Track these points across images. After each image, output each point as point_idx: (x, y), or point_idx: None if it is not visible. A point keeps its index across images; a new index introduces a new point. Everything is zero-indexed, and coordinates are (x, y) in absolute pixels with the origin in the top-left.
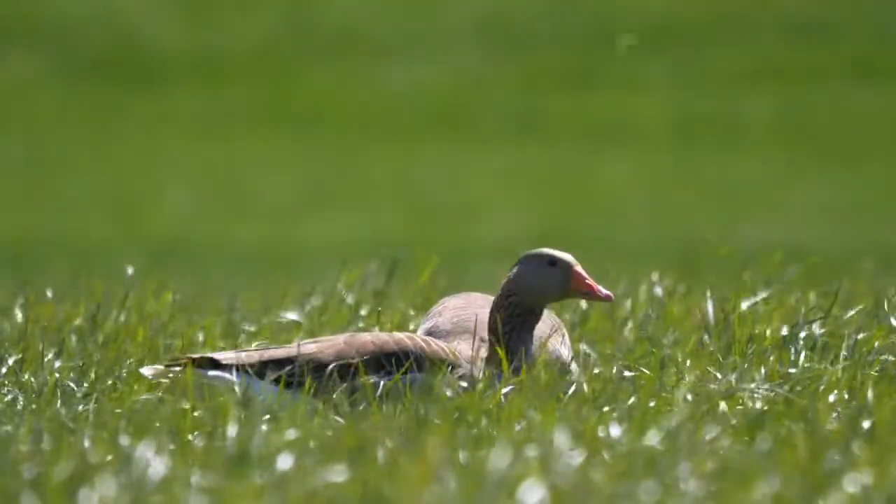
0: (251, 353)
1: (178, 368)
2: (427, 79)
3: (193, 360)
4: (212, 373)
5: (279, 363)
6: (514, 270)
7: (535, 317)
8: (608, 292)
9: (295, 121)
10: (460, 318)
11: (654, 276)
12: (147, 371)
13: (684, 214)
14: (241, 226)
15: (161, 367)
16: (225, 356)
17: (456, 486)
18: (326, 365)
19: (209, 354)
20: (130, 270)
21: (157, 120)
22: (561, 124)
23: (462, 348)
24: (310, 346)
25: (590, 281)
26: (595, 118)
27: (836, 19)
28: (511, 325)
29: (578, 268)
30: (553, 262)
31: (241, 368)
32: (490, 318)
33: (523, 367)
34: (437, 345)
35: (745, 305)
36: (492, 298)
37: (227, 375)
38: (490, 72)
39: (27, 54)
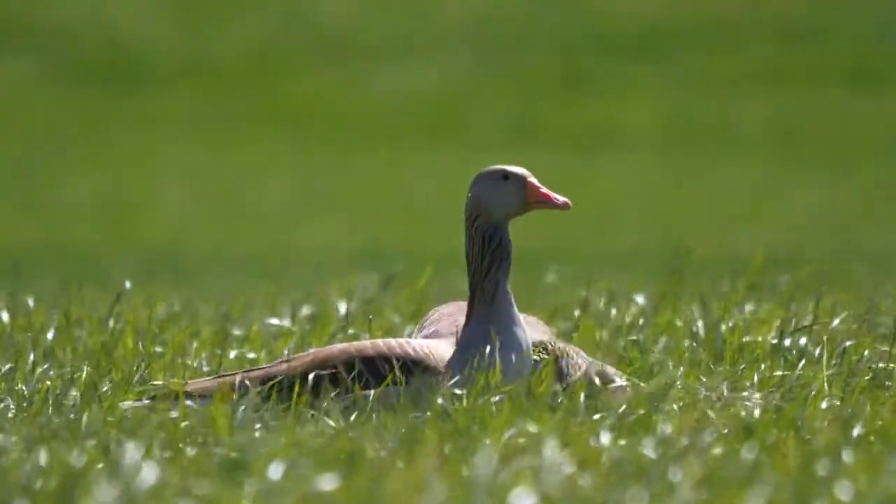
0: (226, 379)
1: (152, 400)
2: (419, 84)
3: (173, 391)
4: (188, 403)
5: (254, 384)
6: (471, 191)
7: (506, 242)
8: (565, 199)
9: (287, 126)
10: (459, 323)
11: (646, 283)
12: (127, 405)
13: (677, 220)
14: (234, 231)
15: (140, 402)
16: (201, 386)
17: (447, 494)
18: (291, 385)
19: (186, 385)
20: (128, 284)
21: (150, 124)
22: (553, 129)
23: (441, 348)
24: (282, 366)
25: (545, 190)
26: (588, 123)
27: (830, 24)
28: (489, 260)
29: (532, 179)
30: (506, 175)
31: (216, 396)
32: (467, 256)
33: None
34: (410, 346)
35: (735, 314)
36: None
37: (201, 406)
38: (482, 77)
39: (20, 59)
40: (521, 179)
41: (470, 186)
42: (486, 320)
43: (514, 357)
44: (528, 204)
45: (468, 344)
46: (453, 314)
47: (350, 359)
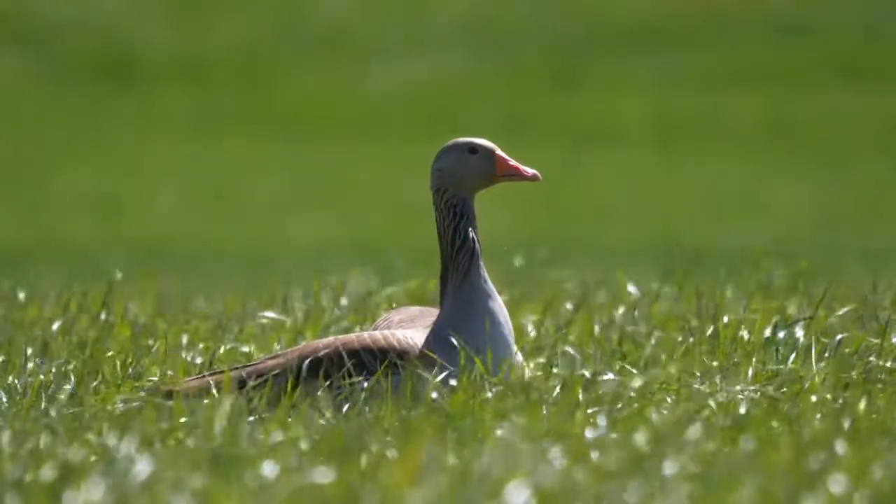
0: (217, 375)
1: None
2: (413, 81)
3: (164, 389)
4: (181, 398)
5: (241, 381)
6: (437, 164)
7: (472, 213)
8: (534, 171)
9: (281, 122)
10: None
11: (639, 278)
12: (121, 401)
13: (670, 216)
14: (227, 227)
15: (133, 397)
16: (192, 382)
17: (442, 487)
18: (280, 380)
19: (178, 382)
20: (119, 275)
21: (143, 121)
22: (547, 125)
23: (415, 336)
24: (269, 362)
25: (513, 163)
26: (581, 120)
27: (821, 21)
28: (463, 231)
29: (500, 152)
30: (474, 149)
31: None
32: (439, 232)
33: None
34: (394, 338)
35: (729, 308)
36: (434, 311)
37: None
38: (476, 74)
39: (12, 55)
40: (489, 151)
41: (434, 160)
42: (462, 298)
43: (494, 335)
44: (496, 176)
45: (447, 326)
46: (402, 322)
47: (335, 352)
